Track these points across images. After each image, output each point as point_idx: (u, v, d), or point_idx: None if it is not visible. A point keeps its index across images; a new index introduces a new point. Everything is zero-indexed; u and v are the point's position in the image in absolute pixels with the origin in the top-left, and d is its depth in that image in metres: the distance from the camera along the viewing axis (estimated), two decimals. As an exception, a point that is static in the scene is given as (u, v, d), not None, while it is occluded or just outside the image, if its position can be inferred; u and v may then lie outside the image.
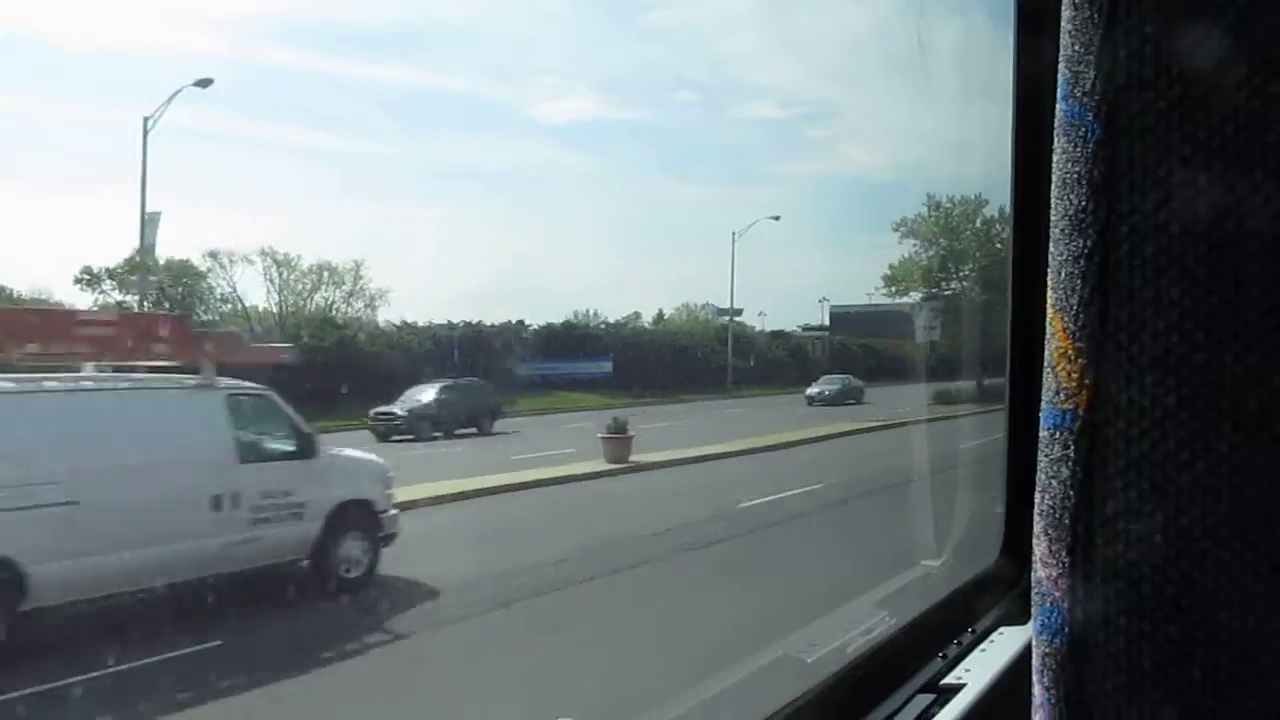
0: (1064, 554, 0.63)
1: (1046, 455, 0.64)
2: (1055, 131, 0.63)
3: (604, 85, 43.58)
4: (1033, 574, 0.67)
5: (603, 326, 39.29)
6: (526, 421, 26.52)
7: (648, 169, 46.29)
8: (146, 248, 25.42)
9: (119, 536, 7.29)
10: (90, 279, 27.89)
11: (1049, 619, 0.64)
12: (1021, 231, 2.10)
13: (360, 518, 9.21)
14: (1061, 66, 0.63)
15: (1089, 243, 0.61)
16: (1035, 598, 0.66)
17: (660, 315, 45.74)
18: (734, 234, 38.58)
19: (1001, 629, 2.14)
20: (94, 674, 6.02)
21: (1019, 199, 2.07)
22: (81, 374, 8.36)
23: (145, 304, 26.62)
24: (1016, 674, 1.81)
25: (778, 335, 46.51)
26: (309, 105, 37.63)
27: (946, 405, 25.94)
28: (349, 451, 10.51)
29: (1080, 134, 0.61)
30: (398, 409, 20.00)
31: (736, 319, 42.83)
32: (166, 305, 29.92)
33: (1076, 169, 0.61)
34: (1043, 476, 0.65)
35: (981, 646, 2.04)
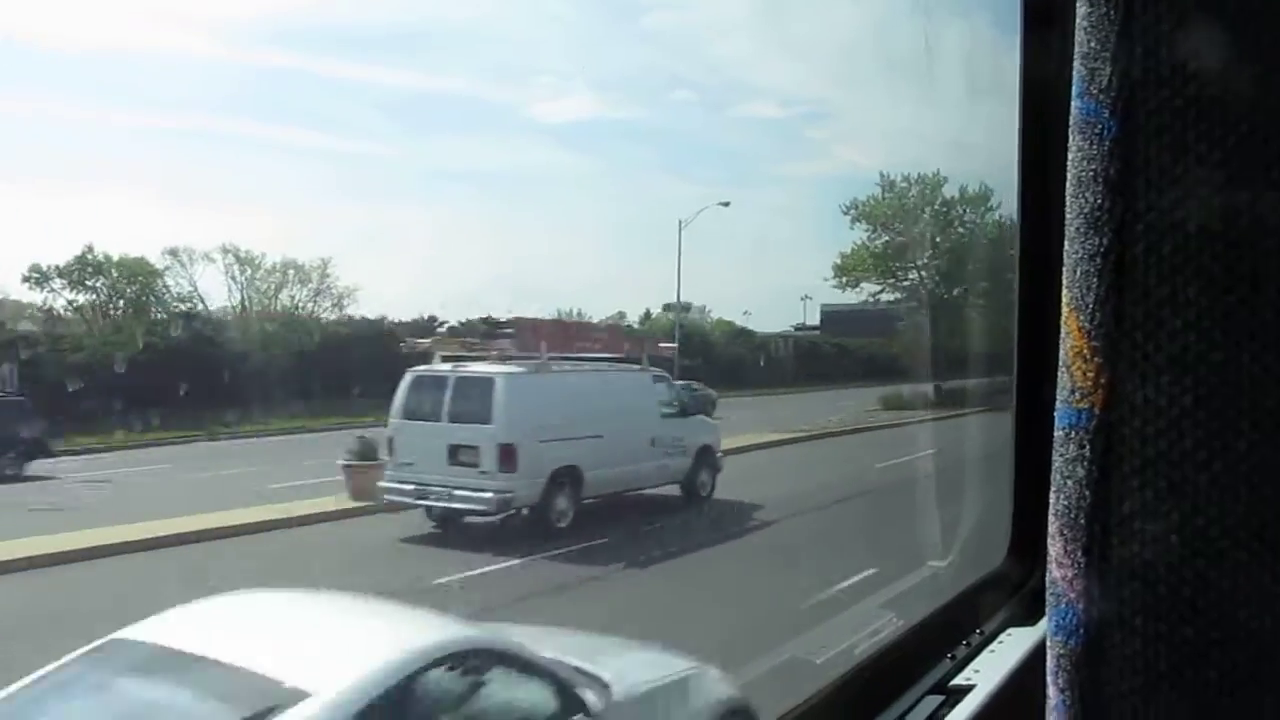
0: (1079, 554, 0.62)
1: (1061, 455, 0.63)
2: (1070, 129, 0.62)
3: (602, 85, 43.55)
4: (1047, 574, 0.66)
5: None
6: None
7: (645, 169, 46.21)
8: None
9: (616, 458, 12.65)
10: (39, 277, 27.87)
11: (1064, 620, 0.64)
12: (1029, 229, 2.09)
13: (708, 456, 14.17)
14: (1076, 63, 0.62)
15: (1105, 241, 0.60)
16: (1050, 598, 0.66)
17: (648, 315, 44.50)
18: (680, 223, 36.38)
19: (1010, 630, 2.13)
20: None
21: (1027, 197, 2.07)
22: (586, 362, 15.91)
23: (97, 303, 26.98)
24: (1026, 675, 1.81)
25: (740, 335, 44.14)
26: (305, 106, 37.79)
27: (889, 411, 24.04)
28: (700, 416, 15.45)
29: (1096, 131, 0.60)
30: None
31: (688, 314, 39.96)
32: (121, 304, 29.90)
33: (1092, 167, 0.61)
34: (1057, 476, 0.64)
35: (990, 647, 2.04)
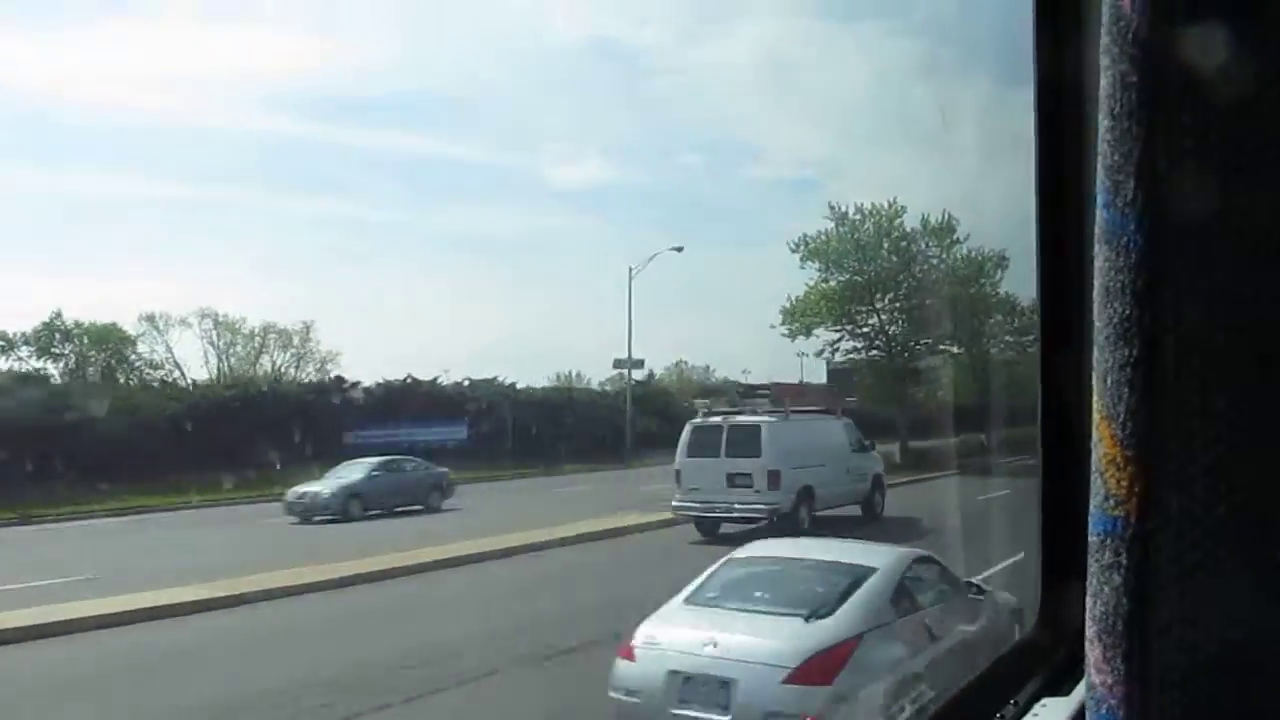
0: (1119, 661, 0.62)
1: (1098, 561, 0.64)
2: (1096, 239, 0.64)
3: (610, 151, 44.23)
4: (1086, 677, 0.66)
5: (466, 385, 33.53)
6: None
7: (652, 231, 46.62)
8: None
9: (831, 481, 17.74)
10: (5, 345, 27.59)
11: None
12: (1051, 334, 2.11)
13: (879, 482, 19.53)
14: (1100, 175, 0.63)
15: (1134, 352, 0.61)
16: (1090, 703, 0.65)
17: (651, 375, 42.47)
18: (630, 270, 34.16)
19: (1044, 700, 2.10)
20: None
21: (1047, 301, 2.08)
22: (804, 413, 20.61)
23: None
24: None
25: (710, 393, 40.72)
26: (318, 173, 38.34)
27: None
28: (873, 452, 20.21)
29: (1122, 243, 0.61)
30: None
31: (639, 371, 37.66)
32: (90, 370, 28.73)
33: (1120, 278, 0.62)
34: (1094, 582, 0.64)
35: None
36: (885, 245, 33.42)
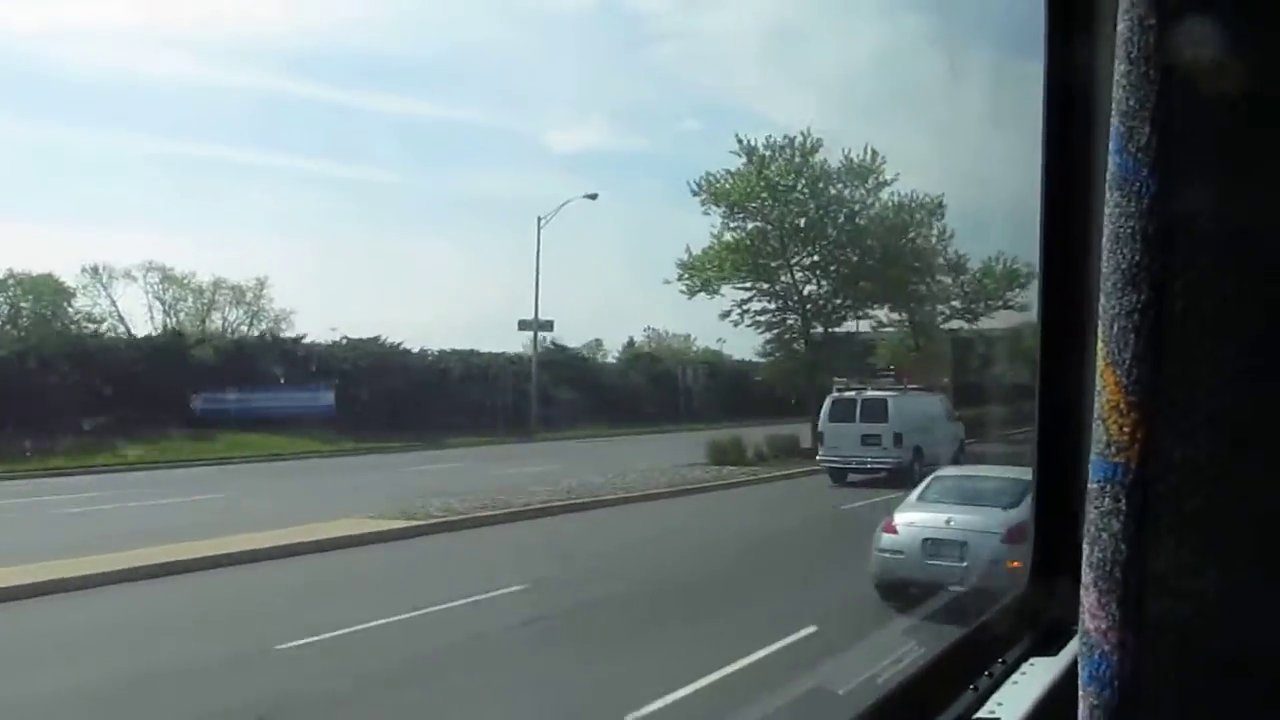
0: (1114, 608, 0.62)
1: (1096, 508, 0.64)
2: (1107, 185, 0.63)
3: (609, 115, 43.62)
4: (1080, 624, 0.66)
5: (342, 343, 29.19)
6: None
7: (652, 197, 45.86)
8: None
9: (935, 443, 21.43)
10: None
11: (1097, 671, 0.64)
12: (1052, 282, 2.10)
13: (962, 445, 21.78)
14: (1115, 121, 0.62)
15: (1143, 298, 0.60)
16: (1082, 648, 0.66)
17: (631, 342, 39.33)
18: (539, 220, 29.87)
19: (1032, 660, 2.12)
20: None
21: (1050, 246, 2.07)
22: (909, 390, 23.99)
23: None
24: (1050, 707, 1.79)
25: (638, 359, 38.04)
26: (321, 136, 37.65)
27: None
28: (959, 421, 22.82)
29: (1134, 189, 0.61)
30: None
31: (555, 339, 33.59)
32: (22, 323, 26.62)
33: (1130, 223, 0.61)
34: (1092, 528, 0.64)
35: (1013, 679, 2.02)
36: (800, 186, 28.32)
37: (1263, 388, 0.58)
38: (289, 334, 30.81)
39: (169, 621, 10.21)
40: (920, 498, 12.51)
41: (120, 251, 30.44)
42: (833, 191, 28.81)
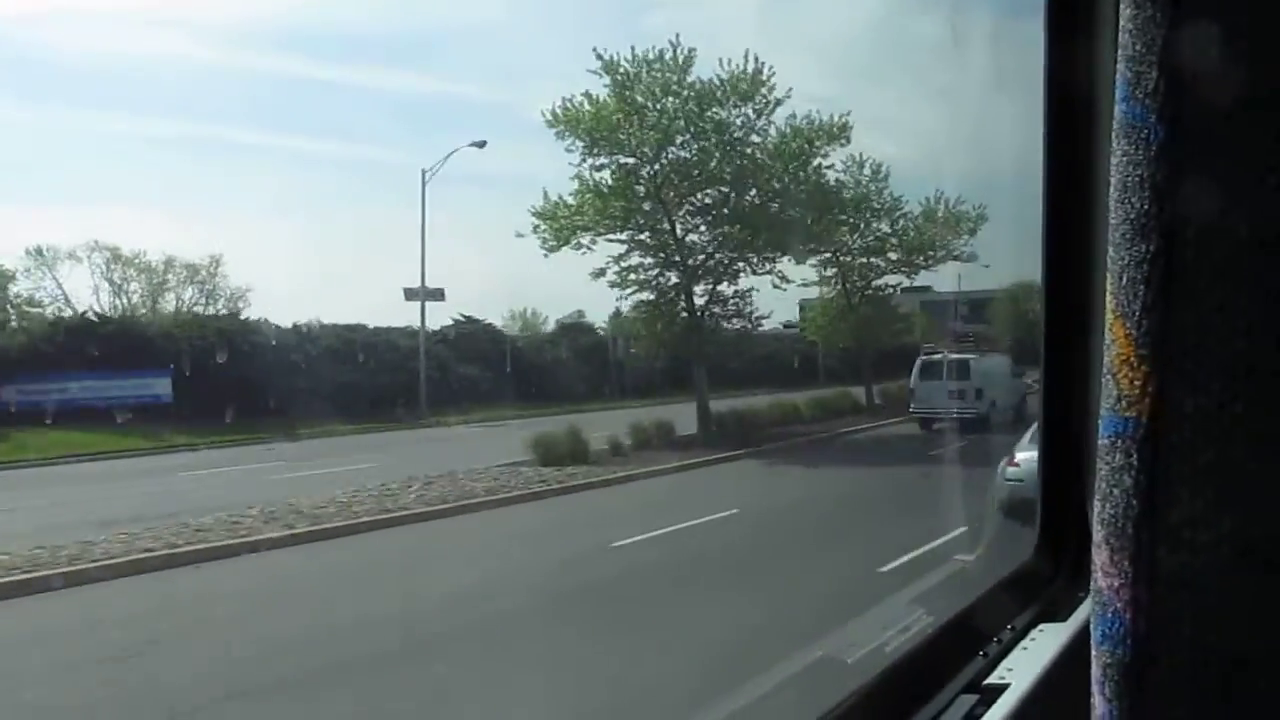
0: (1127, 564, 0.61)
1: (1107, 463, 0.63)
2: (1114, 134, 0.62)
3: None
4: (1092, 582, 0.65)
5: (188, 316, 26.64)
6: None
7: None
8: None
9: (1004, 395, 24.29)
10: None
11: (1110, 629, 0.63)
12: (1057, 231, 2.08)
13: (1022, 398, 23.48)
14: (1121, 66, 0.61)
15: (1152, 247, 0.59)
16: (1095, 607, 0.65)
17: (617, 313, 33.96)
18: (424, 172, 25.85)
19: (1041, 626, 2.12)
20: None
21: (1054, 199, 2.05)
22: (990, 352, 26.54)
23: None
24: (1061, 673, 1.79)
25: (568, 330, 34.00)
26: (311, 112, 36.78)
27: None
28: (1023, 379, 24.43)
29: (1142, 136, 0.60)
30: None
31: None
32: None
33: (1138, 172, 0.60)
34: (1103, 484, 0.63)
35: (1023, 645, 2.02)
36: (674, 110, 22.68)
37: (1275, 335, 0.57)
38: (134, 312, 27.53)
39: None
40: (1031, 439, 14.35)
41: (68, 231, 29.13)
42: (719, 116, 23.11)
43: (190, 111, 37.57)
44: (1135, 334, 0.60)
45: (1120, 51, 0.61)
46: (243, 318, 27.91)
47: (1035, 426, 14.31)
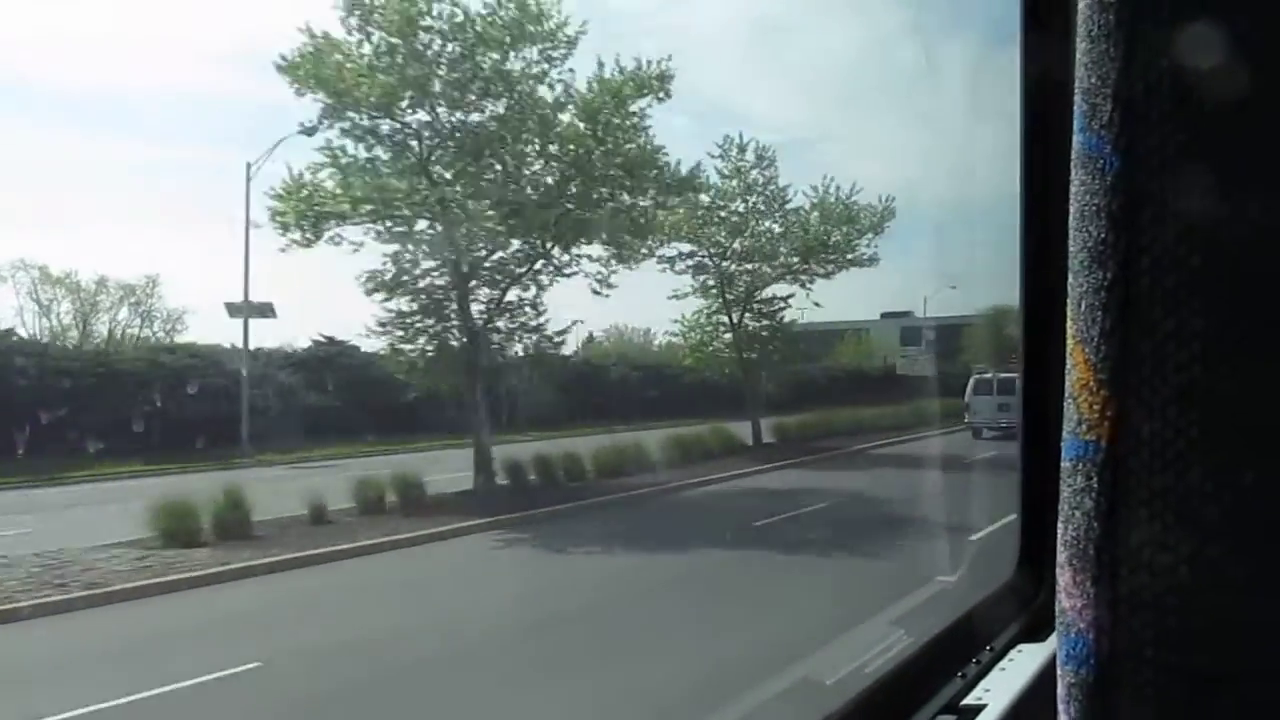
0: (1089, 585, 0.63)
1: (1069, 486, 0.64)
2: (1072, 163, 0.63)
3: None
4: (1057, 603, 0.67)
5: None
6: None
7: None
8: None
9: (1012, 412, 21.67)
10: None
11: (1074, 649, 0.64)
12: (1033, 259, 2.11)
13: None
14: (1078, 98, 0.63)
15: (1110, 275, 0.61)
16: (1059, 628, 0.66)
17: (590, 338, 33.04)
18: (248, 166, 18.85)
19: (1020, 646, 2.13)
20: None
21: (1030, 229, 2.08)
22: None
23: None
24: (1037, 694, 1.80)
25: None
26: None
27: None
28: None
29: (1098, 166, 0.61)
30: None
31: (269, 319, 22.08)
32: None
33: (1095, 201, 0.61)
34: (1065, 507, 0.64)
35: (1000, 665, 2.03)
36: (428, 49, 16.71)
37: (1231, 362, 0.58)
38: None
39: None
40: None
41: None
42: (494, 61, 17.07)
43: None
44: (1094, 359, 0.62)
45: (1077, 84, 0.63)
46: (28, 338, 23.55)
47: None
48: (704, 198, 22.64)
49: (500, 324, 18.86)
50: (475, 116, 17.52)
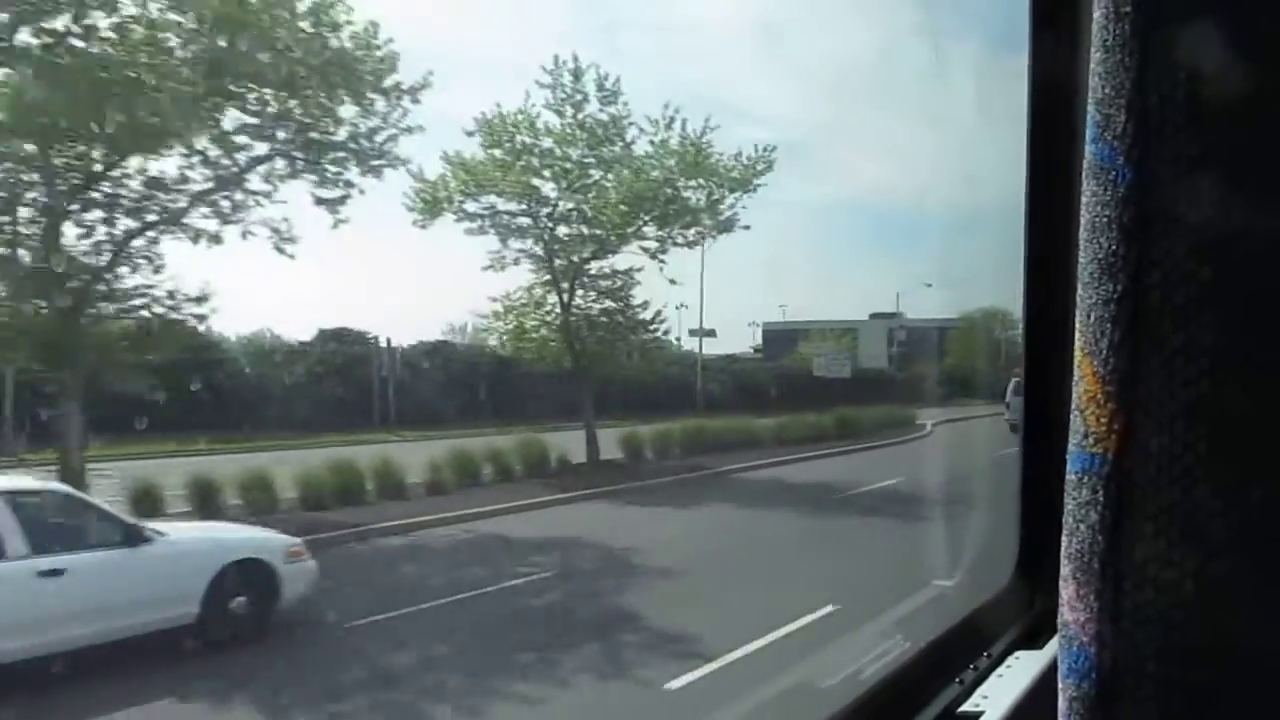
0: (1092, 598, 0.62)
1: (1074, 498, 0.63)
2: (1084, 174, 0.63)
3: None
4: (1059, 616, 0.66)
5: None
6: None
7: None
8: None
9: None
10: None
11: (1076, 662, 0.64)
12: (1036, 270, 2.10)
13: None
14: (1091, 108, 0.62)
15: (1120, 287, 0.60)
16: (1061, 640, 0.65)
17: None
18: None
19: (1017, 653, 2.12)
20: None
21: (1034, 237, 2.07)
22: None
23: None
24: (1035, 701, 1.79)
25: (439, 348, 25.05)
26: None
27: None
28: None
29: (1110, 177, 0.61)
30: None
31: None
32: None
33: (1106, 212, 0.61)
34: (1070, 519, 0.64)
35: (998, 671, 2.02)
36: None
37: (1240, 378, 0.58)
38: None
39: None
40: None
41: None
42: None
43: None
44: (1102, 372, 0.61)
45: (1090, 94, 0.62)
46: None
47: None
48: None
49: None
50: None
